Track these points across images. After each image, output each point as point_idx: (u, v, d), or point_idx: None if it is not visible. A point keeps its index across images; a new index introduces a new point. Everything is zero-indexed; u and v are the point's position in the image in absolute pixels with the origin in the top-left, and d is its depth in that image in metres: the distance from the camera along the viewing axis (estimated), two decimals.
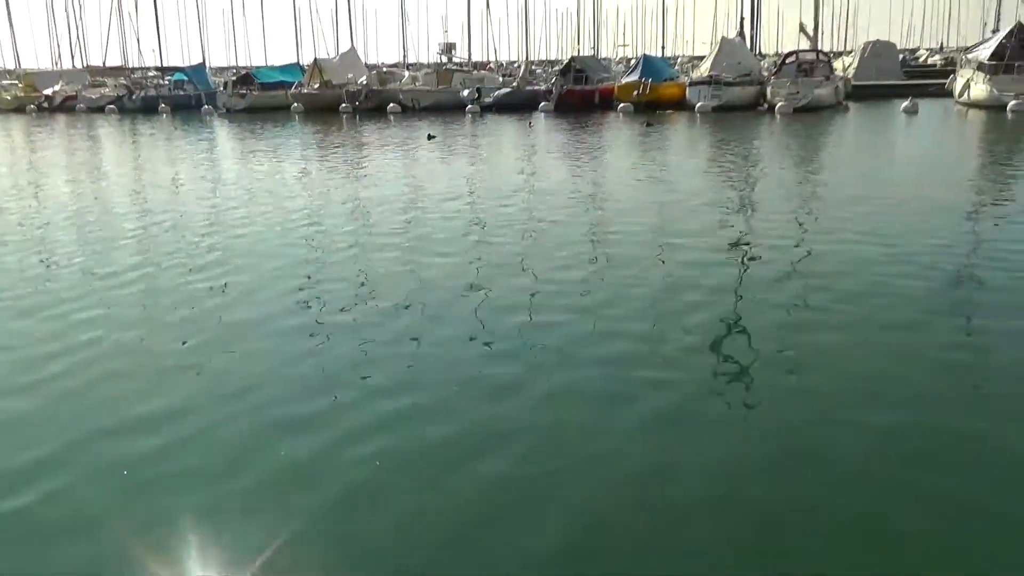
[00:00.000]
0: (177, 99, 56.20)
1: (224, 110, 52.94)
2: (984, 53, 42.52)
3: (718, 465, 6.12)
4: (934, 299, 10.08)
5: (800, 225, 15.00)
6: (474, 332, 9.03)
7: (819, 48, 52.45)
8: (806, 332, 9.00)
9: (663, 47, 68.22)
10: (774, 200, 17.89)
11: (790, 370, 7.97)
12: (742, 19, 53.66)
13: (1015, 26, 42.93)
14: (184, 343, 8.86)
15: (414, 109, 47.93)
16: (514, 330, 9.08)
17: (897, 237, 13.40)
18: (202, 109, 53.12)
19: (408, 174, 22.75)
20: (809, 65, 45.61)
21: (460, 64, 56.87)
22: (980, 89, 40.45)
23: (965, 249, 12.90)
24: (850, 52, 66.85)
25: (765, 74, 47.14)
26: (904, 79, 55.90)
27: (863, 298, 10.07)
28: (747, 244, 13.55)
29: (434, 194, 18.77)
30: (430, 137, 31.52)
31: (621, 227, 14.87)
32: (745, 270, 11.94)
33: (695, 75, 47.64)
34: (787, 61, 46.98)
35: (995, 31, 49.26)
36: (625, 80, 47.76)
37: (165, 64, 67.38)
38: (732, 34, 54.16)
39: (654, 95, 44.79)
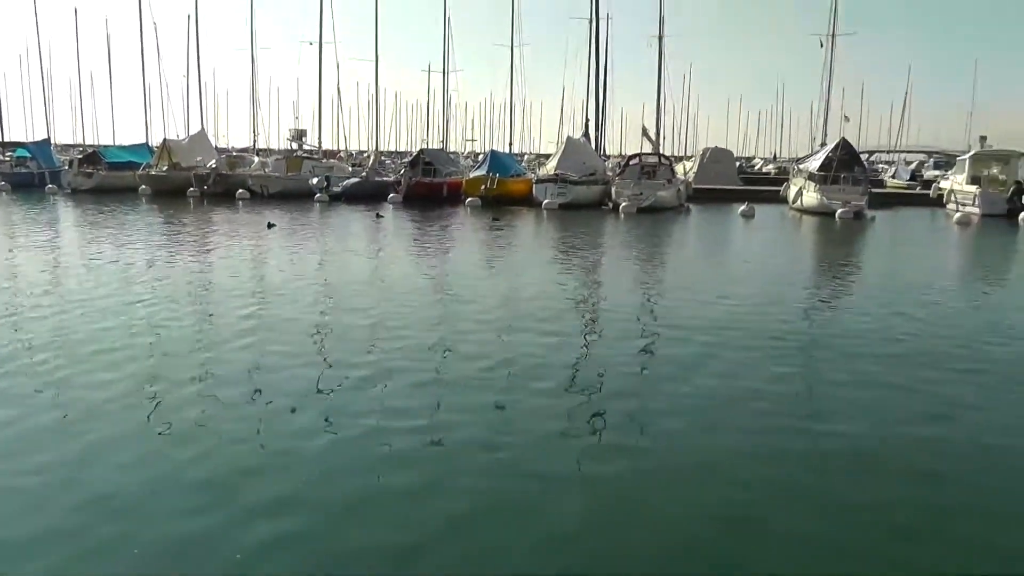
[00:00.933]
0: (19, 177, 53.12)
1: (69, 190, 50.37)
2: (814, 164, 44.95)
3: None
4: (773, 394, 10.49)
5: (646, 319, 15.40)
6: (313, 423, 8.94)
7: (661, 152, 54.43)
8: (651, 420, 9.36)
9: (510, 143, 69.29)
10: (618, 294, 18.34)
11: (633, 462, 8.09)
12: (587, 120, 55.19)
13: (840, 141, 45.99)
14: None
15: (263, 196, 46.88)
16: (356, 426, 8.90)
17: (737, 331, 13.97)
18: (46, 188, 50.43)
19: (251, 265, 21.77)
20: (652, 168, 47.00)
21: (310, 151, 56.49)
22: (811, 197, 42.63)
23: (805, 345, 13.55)
24: (690, 157, 69.37)
25: (610, 174, 48.43)
26: (741, 185, 58.41)
27: (702, 386, 10.62)
28: (590, 336, 13.98)
29: (277, 287, 18.19)
30: (270, 226, 30.84)
31: (467, 320, 14.81)
32: (587, 360, 12.22)
33: (542, 172, 48.44)
34: (631, 163, 48.42)
35: (823, 144, 52.27)
36: (473, 174, 47.99)
37: (6, 139, 64.31)
38: (577, 134, 55.64)
39: (501, 190, 45.07)
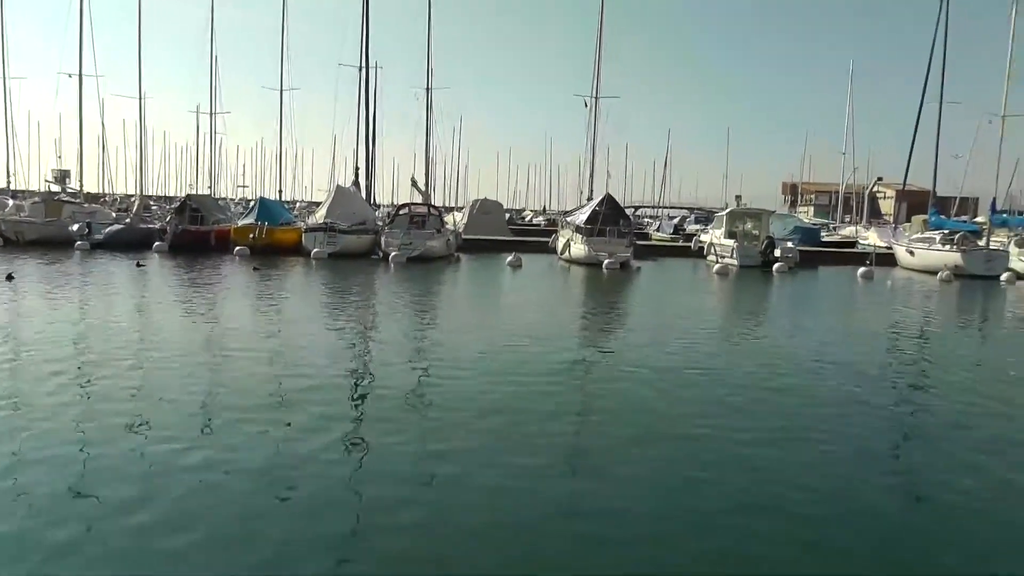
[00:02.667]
0: None
1: None
2: (581, 217, 46.11)
3: None
4: (544, 434, 10.76)
5: (413, 369, 15.19)
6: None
7: (431, 202, 54.60)
8: (423, 468, 9.41)
9: (280, 190, 67.72)
10: (385, 344, 18.10)
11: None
12: (357, 169, 54.77)
13: (605, 196, 47.67)
14: None
15: (18, 243, 43.29)
16: (106, 487, 8.49)
17: (504, 375, 14.40)
18: None
19: None
20: (421, 218, 47.07)
21: (72, 195, 53.30)
22: (579, 248, 43.71)
23: (575, 388, 14.25)
24: (461, 208, 70.04)
25: (380, 224, 48.21)
26: (511, 235, 59.36)
27: (480, 431, 10.76)
28: (359, 386, 13.82)
29: (24, 345, 16.37)
30: (9, 278, 28.62)
31: (228, 376, 14.27)
32: (359, 411, 12.00)
33: (311, 221, 47.68)
34: (400, 212, 48.42)
35: (590, 199, 53.75)
36: (242, 222, 46.40)
37: None
38: (348, 182, 55.11)
39: (271, 239, 43.83)
